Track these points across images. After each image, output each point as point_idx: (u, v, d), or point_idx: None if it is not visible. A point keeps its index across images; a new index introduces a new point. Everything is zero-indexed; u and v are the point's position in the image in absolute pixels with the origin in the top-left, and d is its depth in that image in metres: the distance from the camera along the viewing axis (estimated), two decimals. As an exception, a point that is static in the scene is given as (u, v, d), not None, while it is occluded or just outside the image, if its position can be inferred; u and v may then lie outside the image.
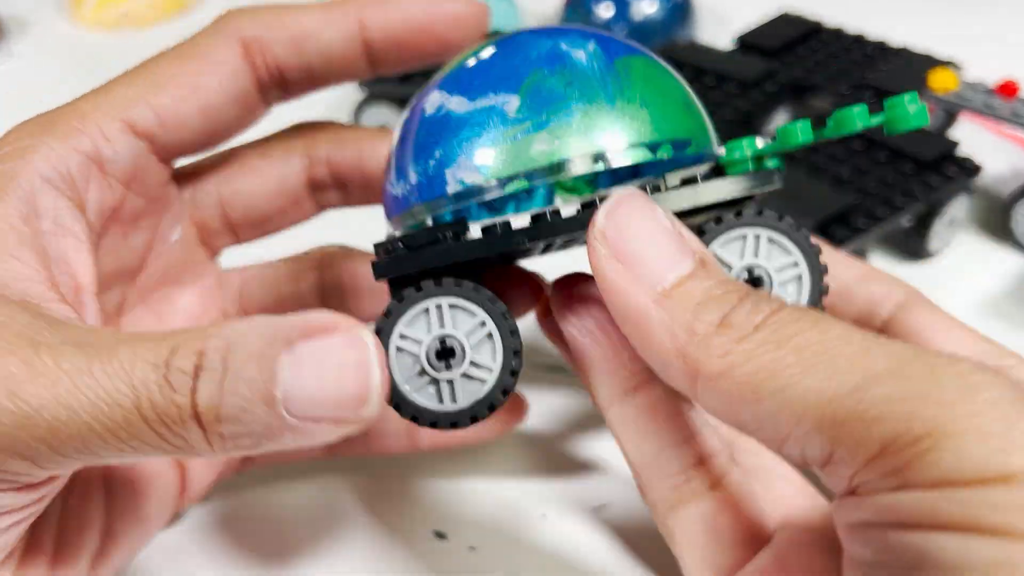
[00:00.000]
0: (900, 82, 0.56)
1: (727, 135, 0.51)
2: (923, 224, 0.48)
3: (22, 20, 0.78)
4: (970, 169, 0.47)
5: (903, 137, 0.49)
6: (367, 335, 0.23)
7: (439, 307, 0.26)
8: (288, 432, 0.22)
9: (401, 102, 0.57)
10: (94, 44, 0.75)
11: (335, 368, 0.22)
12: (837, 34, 0.63)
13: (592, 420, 0.41)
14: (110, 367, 0.22)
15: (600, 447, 0.39)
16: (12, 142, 0.28)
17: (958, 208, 0.49)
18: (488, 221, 0.27)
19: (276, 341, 0.22)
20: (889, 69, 0.58)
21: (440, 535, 0.36)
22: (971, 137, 0.60)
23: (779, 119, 0.57)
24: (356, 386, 0.23)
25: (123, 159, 0.29)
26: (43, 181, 0.27)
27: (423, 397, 0.26)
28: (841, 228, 0.43)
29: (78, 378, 0.22)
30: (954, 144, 0.48)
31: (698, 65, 0.56)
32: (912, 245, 0.49)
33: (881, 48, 0.61)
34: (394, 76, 0.57)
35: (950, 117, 0.61)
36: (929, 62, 0.58)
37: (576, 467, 0.39)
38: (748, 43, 0.62)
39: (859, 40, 0.62)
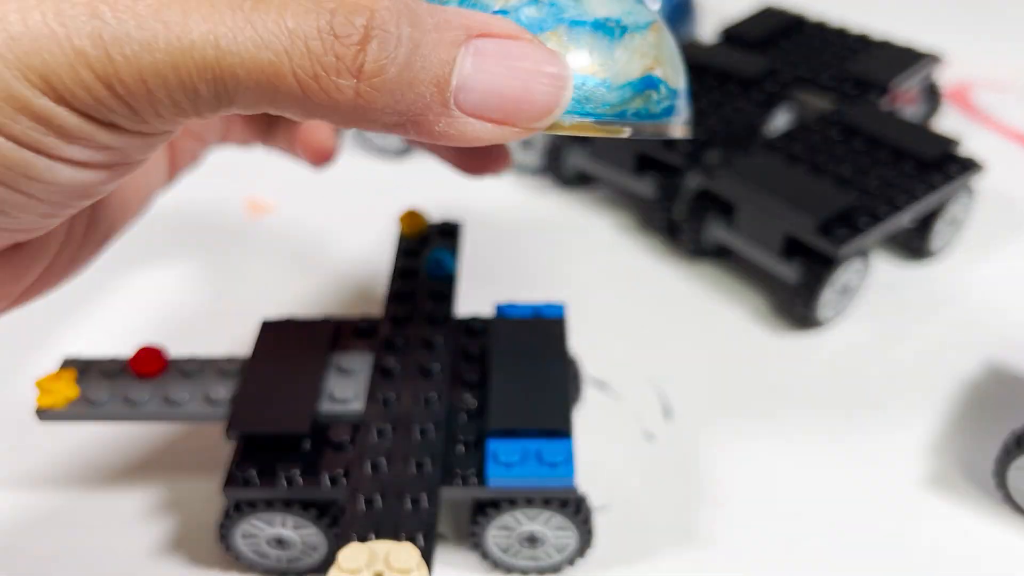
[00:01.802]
0: (880, 73, 0.56)
1: (728, 132, 0.52)
2: (925, 223, 0.48)
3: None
4: (972, 168, 0.47)
5: (905, 136, 0.49)
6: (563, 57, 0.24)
7: None
8: (443, 121, 0.23)
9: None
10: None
11: (527, 72, 0.23)
12: (820, 27, 0.63)
13: (593, 425, 0.41)
14: (267, 15, 0.22)
15: (600, 450, 0.40)
16: None
17: (960, 207, 0.49)
18: None
19: (458, 28, 0.23)
20: (870, 60, 0.58)
21: (441, 536, 0.36)
22: (973, 135, 0.60)
23: (780, 117, 0.57)
24: (547, 96, 0.23)
25: None
26: None
27: None
28: (843, 227, 0.43)
29: (234, 20, 0.22)
30: (956, 143, 0.48)
31: (699, 63, 0.56)
32: (914, 244, 0.49)
33: (863, 40, 0.61)
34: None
35: (933, 107, 0.61)
36: (910, 54, 0.58)
37: (577, 470, 0.39)
38: (732, 36, 0.62)
39: (841, 33, 0.62)
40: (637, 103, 0.26)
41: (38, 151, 0.23)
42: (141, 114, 0.23)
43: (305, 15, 0.22)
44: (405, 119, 0.23)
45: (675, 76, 0.28)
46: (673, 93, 0.27)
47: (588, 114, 0.25)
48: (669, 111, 0.27)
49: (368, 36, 0.22)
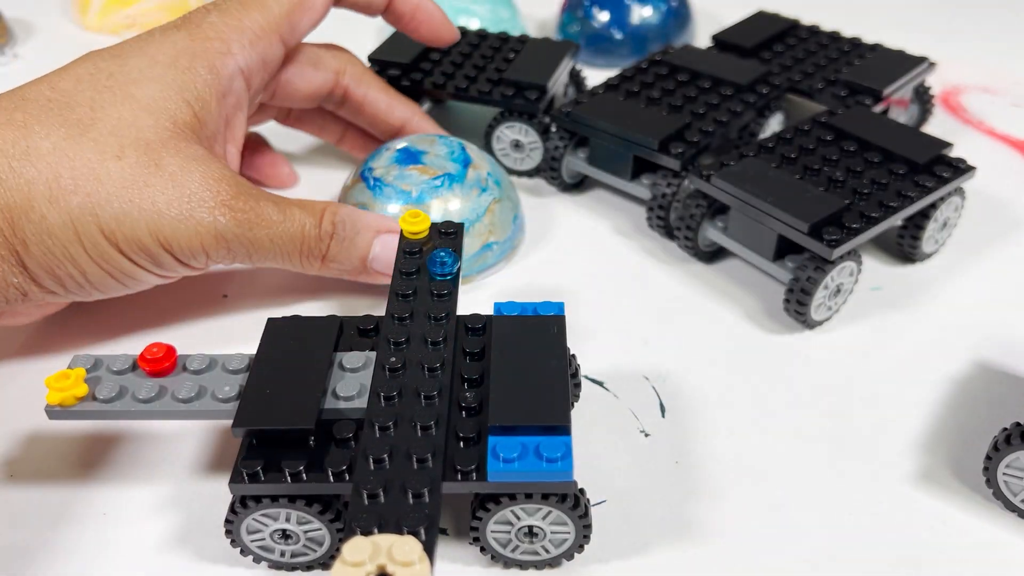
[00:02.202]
0: (873, 78, 0.56)
1: (722, 137, 0.53)
2: (917, 225, 0.48)
3: (28, 23, 0.79)
4: (964, 170, 0.48)
5: (897, 139, 0.49)
6: None
7: None
8: (365, 275, 0.44)
9: (406, 92, 0.58)
10: (99, 48, 0.75)
11: None
12: (812, 31, 0.64)
13: (591, 422, 0.42)
14: (291, 221, 0.41)
15: (597, 447, 0.40)
16: (215, 34, 0.43)
17: (951, 210, 0.50)
18: None
19: (373, 229, 0.44)
20: (863, 65, 0.58)
21: (443, 531, 0.37)
22: (964, 138, 0.61)
23: (774, 122, 0.57)
24: None
25: (276, 59, 0.47)
26: (238, 70, 0.44)
27: None
28: (835, 229, 0.43)
29: (279, 226, 0.41)
30: (947, 145, 0.49)
31: (693, 69, 0.57)
32: (906, 246, 0.49)
33: (855, 45, 0.62)
34: (392, 74, 0.58)
35: (925, 111, 0.61)
36: (903, 58, 0.59)
37: (576, 466, 0.39)
38: (723, 41, 0.62)
39: (834, 37, 0.63)
40: (479, 262, 0.49)
41: (141, 268, 0.40)
42: (208, 261, 0.41)
43: (304, 220, 0.42)
44: (344, 273, 0.44)
45: (503, 230, 0.50)
46: (503, 245, 0.50)
47: None
48: (500, 255, 0.50)
49: (332, 235, 0.42)
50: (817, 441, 0.40)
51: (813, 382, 0.43)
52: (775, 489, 0.38)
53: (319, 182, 0.58)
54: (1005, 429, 0.37)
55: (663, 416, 0.42)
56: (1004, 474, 0.36)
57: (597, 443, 0.40)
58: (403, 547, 0.27)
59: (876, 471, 0.39)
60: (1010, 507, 0.37)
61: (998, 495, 0.37)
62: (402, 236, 0.41)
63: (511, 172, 0.58)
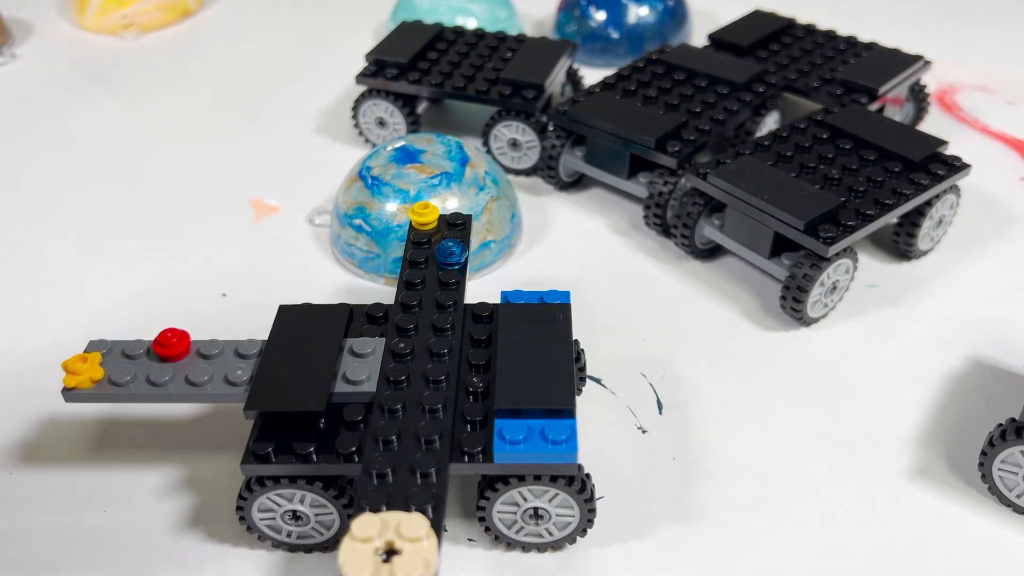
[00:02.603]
0: (868, 77, 0.57)
1: (718, 135, 0.53)
2: (912, 222, 0.49)
3: (26, 23, 0.79)
4: (958, 168, 0.48)
5: (893, 137, 0.50)
6: None
7: None
8: None
9: (396, 97, 0.58)
10: (97, 47, 0.76)
11: None
12: (808, 30, 0.64)
13: (589, 418, 0.42)
14: None
15: (597, 443, 0.40)
16: None
17: (947, 207, 0.50)
18: None
19: None
20: (859, 64, 0.59)
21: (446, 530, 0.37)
22: (959, 136, 0.61)
23: (770, 120, 0.58)
24: None
25: None
26: None
27: None
28: (831, 227, 0.43)
29: None
30: (943, 143, 0.49)
31: (690, 67, 0.57)
32: (902, 243, 0.50)
33: (851, 43, 0.62)
34: (389, 73, 0.58)
35: (920, 109, 0.62)
36: (898, 57, 0.59)
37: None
38: (720, 40, 0.62)
39: (830, 36, 0.63)
40: (477, 260, 0.49)
41: None
42: None
43: None
44: None
45: (501, 228, 0.50)
46: (500, 243, 0.50)
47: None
48: (498, 253, 0.50)
49: None
50: (813, 437, 0.40)
51: (809, 379, 0.43)
52: (772, 485, 0.38)
53: (318, 181, 0.58)
54: (1000, 425, 0.37)
55: (660, 412, 0.42)
56: (999, 470, 0.37)
57: (595, 440, 0.40)
58: (411, 523, 0.27)
59: (872, 466, 0.39)
60: (1005, 502, 0.37)
61: (993, 490, 0.37)
62: (411, 227, 0.41)
63: (508, 171, 0.58)
